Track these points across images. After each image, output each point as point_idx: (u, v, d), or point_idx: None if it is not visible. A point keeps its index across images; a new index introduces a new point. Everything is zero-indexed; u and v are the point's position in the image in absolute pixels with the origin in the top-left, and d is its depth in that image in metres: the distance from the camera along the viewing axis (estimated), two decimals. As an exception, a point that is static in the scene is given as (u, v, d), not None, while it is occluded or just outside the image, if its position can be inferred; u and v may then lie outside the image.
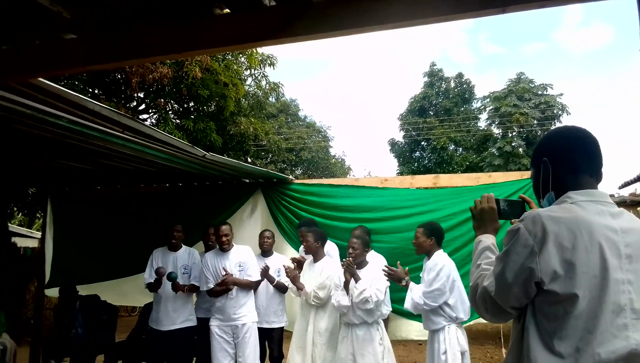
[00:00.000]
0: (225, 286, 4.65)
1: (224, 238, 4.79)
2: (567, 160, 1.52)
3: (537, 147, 1.65)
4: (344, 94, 52.65)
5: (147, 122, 9.94)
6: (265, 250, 5.10)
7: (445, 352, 3.83)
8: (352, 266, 4.18)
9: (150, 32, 2.04)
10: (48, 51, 2.27)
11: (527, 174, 5.16)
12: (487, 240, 1.70)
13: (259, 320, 4.88)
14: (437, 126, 21.49)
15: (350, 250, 4.30)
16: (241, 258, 4.80)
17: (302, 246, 4.90)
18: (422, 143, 22.43)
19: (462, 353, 3.89)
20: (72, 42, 2.23)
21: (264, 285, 4.95)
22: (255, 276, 4.79)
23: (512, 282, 1.39)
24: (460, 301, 3.94)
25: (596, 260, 1.33)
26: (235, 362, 4.70)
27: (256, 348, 4.71)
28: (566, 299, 1.32)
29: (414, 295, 3.95)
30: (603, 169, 1.55)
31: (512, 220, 1.70)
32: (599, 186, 1.54)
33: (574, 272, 1.32)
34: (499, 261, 1.46)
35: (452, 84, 22.92)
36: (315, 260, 4.69)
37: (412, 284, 4.04)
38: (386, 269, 4.12)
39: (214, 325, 4.73)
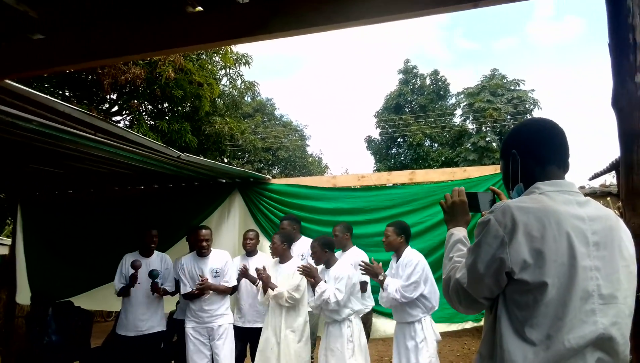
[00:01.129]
0: (201, 292, 4.65)
1: (204, 243, 4.77)
2: (535, 152, 1.56)
3: (506, 140, 1.68)
4: (320, 92, 52.72)
5: (121, 124, 9.76)
6: (249, 251, 5.08)
7: (423, 340, 3.99)
8: (310, 270, 4.26)
9: (121, 32, 2.01)
10: (15, 52, 2.21)
11: (501, 168, 5.25)
12: (459, 232, 1.73)
13: (241, 320, 4.88)
14: (413, 122, 21.67)
15: (311, 254, 4.43)
16: (218, 264, 4.79)
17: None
18: (399, 139, 22.58)
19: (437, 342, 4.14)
20: (40, 43, 2.18)
21: (246, 285, 4.93)
22: (232, 281, 4.80)
23: (483, 273, 1.41)
24: (432, 292, 4.15)
25: (564, 248, 1.36)
26: (212, 362, 4.68)
27: (232, 348, 4.73)
28: (536, 287, 1.35)
29: (390, 289, 4.04)
30: (572, 160, 1.59)
31: (483, 212, 1.73)
32: (567, 176, 1.58)
33: (543, 261, 1.35)
34: (470, 253, 1.49)
35: (428, 81, 23.12)
36: (282, 262, 4.67)
37: (388, 279, 4.12)
38: (363, 264, 4.22)
39: (189, 327, 4.71)
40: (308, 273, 4.24)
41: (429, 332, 4.05)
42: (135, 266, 4.69)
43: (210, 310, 4.67)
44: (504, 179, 1.67)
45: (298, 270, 4.28)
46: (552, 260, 1.35)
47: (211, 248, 4.90)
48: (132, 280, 4.69)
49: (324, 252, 4.41)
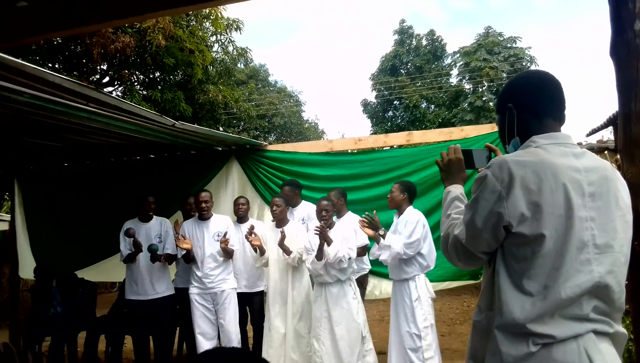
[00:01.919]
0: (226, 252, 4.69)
1: (204, 205, 4.77)
2: (531, 105, 1.54)
3: (502, 93, 1.66)
4: (314, 56, 51.94)
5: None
6: (240, 216, 5.10)
7: (417, 299, 4.08)
8: (325, 230, 4.25)
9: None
10: (0, 21, 2.15)
11: (498, 126, 5.23)
12: (456, 189, 1.73)
13: (238, 284, 4.94)
14: (409, 84, 21.42)
15: (323, 213, 4.38)
16: (220, 228, 4.80)
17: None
18: (395, 102, 22.38)
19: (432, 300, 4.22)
20: (24, 10, 2.12)
21: (242, 250, 4.97)
22: (235, 245, 4.81)
23: (481, 228, 1.42)
24: (430, 251, 4.24)
25: (561, 200, 1.37)
26: (217, 327, 4.77)
27: (236, 312, 4.79)
28: (534, 240, 1.36)
29: (395, 245, 4.08)
30: (569, 117, 1.58)
31: (479, 169, 1.73)
32: (564, 130, 1.56)
33: (541, 213, 1.35)
34: (468, 209, 1.49)
35: (424, 42, 22.72)
36: (281, 225, 4.68)
37: (389, 234, 4.16)
38: (366, 216, 4.23)
39: (194, 292, 4.77)
40: (323, 233, 4.23)
41: (422, 290, 4.14)
42: (129, 234, 4.72)
43: (212, 275, 4.72)
44: (500, 134, 1.66)
45: (315, 231, 4.24)
46: (550, 212, 1.35)
47: (212, 213, 4.91)
48: (136, 247, 4.72)
49: (341, 203, 4.65)
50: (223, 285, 4.73)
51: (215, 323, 4.75)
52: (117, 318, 5.43)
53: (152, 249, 4.71)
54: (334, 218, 4.70)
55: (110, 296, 8.52)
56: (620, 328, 1.42)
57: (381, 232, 4.16)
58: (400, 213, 4.33)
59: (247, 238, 4.65)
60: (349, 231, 4.41)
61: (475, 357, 1.52)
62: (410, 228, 4.13)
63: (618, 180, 1.49)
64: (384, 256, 4.19)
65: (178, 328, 5.31)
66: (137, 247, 4.72)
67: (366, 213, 4.33)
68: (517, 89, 1.60)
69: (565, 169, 1.40)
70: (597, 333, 1.38)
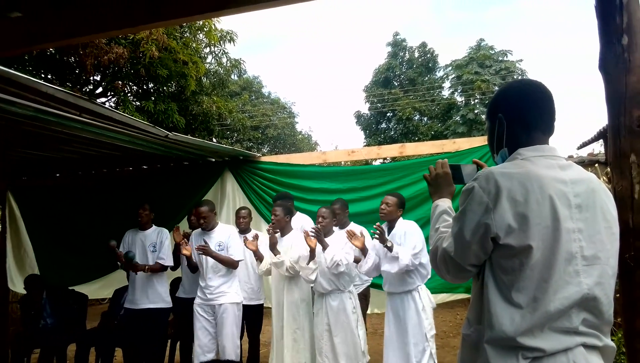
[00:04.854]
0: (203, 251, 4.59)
1: (202, 221, 4.75)
2: (522, 118, 1.56)
3: (494, 101, 1.67)
4: (308, 68, 52.09)
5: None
6: (243, 229, 5.07)
7: (423, 308, 4.11)
8: (321, 233, 4.27)
9: (101, 6, 1.95)
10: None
11: (490, 139, 5.26)
12: (444, 204, 1.74)
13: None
14: (402, 96, 21.58)
15: (320, 219, 4.41)
16: (222, 238, 4.76)
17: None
18: (388, 114, 22.52)
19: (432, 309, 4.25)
20: (18, 21, 2.12)
21: (243, 262, 4.94)
22: (238, 255, 4.74)
23: (470, 240, 1.43)
24: (428, 259, 4.16)
25: (547, 211, 1.38)
26: (216, 340, 4.71)
27: (234, 327, 4.67)
28: (521, 251, 1.36)
29: (403, 256, 4.05)
30: (560, 130, 1.62)
31: (467, 184, 1.75)
32: (554, 143, 1.58)
33: (527, 224, 1.36)
34: (456, 221, 1.50)
35: (416, 54, 22.93)
36: (284, 234, 4.70)
37: (396, 246, 4.12)
38: (377, 227, 4.17)
39: (197, 303, 4.74)
40: (319, 236, 4.24)
41: (426, 300, 4.17)
42: (110, 246, 4.77)
43: (212, 287, 4.66)
44: (489, 141, 1.68)
45: (311, 233, 4.25)
46: (536, 223, 1.36)
47: (218, 222, 4.89)
48: (118, 259, 4.79)
49: (344, 214, 4.78)
50: (221, 298, 4.64)
51: (214, 336, 4.69)
52: (107, 331, 5.37)
53: (127, 257, 4.70)
54: (337, 229, 4.70)
55: (100, 308, 8.41)
56: (609, 342, 1.42)
57: (389, 244, 4.13)
58: (391, 226, 4.30)
59: (244, 242, 4.66)
60: (344, 240, 4.37)
61: (465, 371, 1.52)
62: (412, 238, 4.15)
63: (604, 192, 1.51)
64: (393, 269, 4.14)
65: (178, 342, 5.26)
66: (119, 261, 4.79)
67: (377, 223, 4.27)
68: (509, 100, 1.61)
69: (551, 181, 1.41)
70: (586, 346, 1.38)
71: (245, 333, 5.15)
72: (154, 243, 4.95)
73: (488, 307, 1.41)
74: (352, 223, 4.98)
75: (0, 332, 6.14)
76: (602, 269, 1.42)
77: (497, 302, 1.40)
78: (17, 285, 6.23)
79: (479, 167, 1.83)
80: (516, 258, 1.38)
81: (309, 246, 4.27)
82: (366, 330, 4.77)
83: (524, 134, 1.55)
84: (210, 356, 4.68)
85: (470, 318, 1.52)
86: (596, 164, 6.51)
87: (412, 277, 4.16)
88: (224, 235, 4.79)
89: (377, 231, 4.15)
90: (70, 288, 5.82)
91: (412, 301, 4.13)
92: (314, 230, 4.27)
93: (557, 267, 1.37)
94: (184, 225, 5.49)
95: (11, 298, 6.82)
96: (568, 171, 1.47)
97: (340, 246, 4.34)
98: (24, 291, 5.78)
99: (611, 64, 1.83)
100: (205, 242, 4.58)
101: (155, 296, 4.89)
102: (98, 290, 6.27)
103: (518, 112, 1.56)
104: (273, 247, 4.51)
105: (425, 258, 4.18)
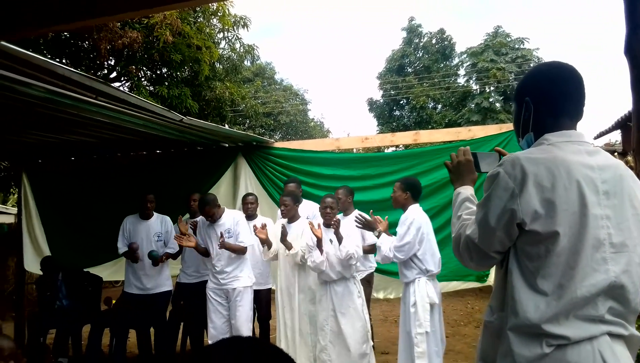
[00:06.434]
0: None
1: (209, 218, 4.74)
2: (549, 103, 1.51)
3: (522, 83, 1.62)
4: (321, 55, 51.90)
5: (120, 91, 9.62)
6: (250, 214, 5.07)
7: (414, 304, 3.89)
8: (339, 226, 4.19)
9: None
10: (4, 13, 2.14)
11: (505, 127, 5.20)
12: (466, 191, 1.71)
13: None
14: (416, 84, 21.33)
15: (328, 210, 4.32)
16: (230, 225, 4.77)
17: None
18: (401, 101, 22.31)
19: (432, 306, 3.91)
20: (30, 2, 2.10)
21: (250, 247, 4.95)
22: (247, 241, 4.76)
23: (495, 226, 1.40)
24: (430, 254, 4.00)
25: (575, 197, 1.35)
26: (229, 323, 4.76)
27: (248, 311, 4.74)
28: (548, 237, 1.34)
29: (383, 247, 3.98)
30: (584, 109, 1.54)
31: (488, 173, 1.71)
32: (579, 124, 1.53)
33: (554, 210, 1.33)
34: (480, 208, 1.47)
35: (433, 40, 22.59)
36: (292, 222, 4.69)
37: (383, 235, 4.06)
38: (359, 217, 4.16)
39: (209, 288, 4.78)
40: (337, 229, 4.17)
41: (420, 295, 3.89)
42: (132, 248, 4.87)
43: (225, 272, 4.69)
44: (515, 125, 1.63)
45: (333, 225, 4.19)
46: (563, 209, 1.33)
47: (224, 209, 4.88)
48: (133, 259, 4.90)
49: (349, 201, 4.68)
50: (235, 282, 4.69)
51: (227, 319, 4.74)
52: (121, 313, 5.44)
53: (152, 256, 4.86)
54: (340, 215, 4.68)
55: (114, 291, 8.54)
56: (635, 331, 1.40)
57: (376, 234, 4.07)
58: (405, 211, 4.15)
59: (254, 230, 4.65)
60: (354, 229, 4.34)
61: (486, 359, 1.50)
62: (402, 230, 3.94)
63: (632, 179, 1.47)
64: (377, 257, 4.14)
65: (182, 324, 5.31)
66: (133, 261, 4.91)
67: (358, 213, 4.26)
68: (538, 84, 1.56)
69: (579, 166, 1.38)
70: (611, 335, 1.35)
71: (255, 318, 5.19)
72: (159, 232, 5.03)
73: (512, 294, 1.39)
74: (356, 210, 4.94)
75: (17, 312, 6.27)
76: (630, 257, 1.39)
77: (522, 289, 1.38)
78: (30, 266, 6.32)
79: (501, 155, 1.80)
80: (542, 245, 1.35)
81: (316, 236, 4.24)
82: (373, 316, 4.77)
83: (550, 119, 1.51)
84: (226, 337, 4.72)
85: (492, 306, 1.50)
86: (615, 154, 6.40)
87: (408, 269, 3.99)
88: (231, 222, 4.79)
89: (358, 220, 4.13)
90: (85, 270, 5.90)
91: (408, 293, 3.99)
92: (334, 224, 4.18)
93: (584, 254, 1.34)
94: (183, 211, 5.47)
95: (27, 279, 6.94)
96: (596, 157, 1.43)
97: (348, 234, 4.27)
98: (40, 272, 5.87)
99: (637, 48, 1.77)
100: (221, 234, 4.60)
101: (159, 280, 5.02)
102: (111, 274, 6.33)
103: (546, 97, 1.52)
104: (284, 239, 4.51)
105: (421, 251, 3.94)
